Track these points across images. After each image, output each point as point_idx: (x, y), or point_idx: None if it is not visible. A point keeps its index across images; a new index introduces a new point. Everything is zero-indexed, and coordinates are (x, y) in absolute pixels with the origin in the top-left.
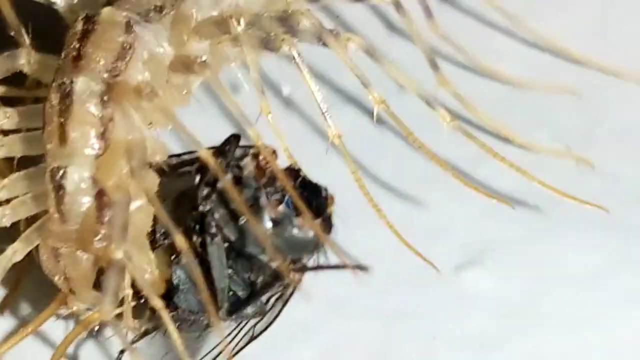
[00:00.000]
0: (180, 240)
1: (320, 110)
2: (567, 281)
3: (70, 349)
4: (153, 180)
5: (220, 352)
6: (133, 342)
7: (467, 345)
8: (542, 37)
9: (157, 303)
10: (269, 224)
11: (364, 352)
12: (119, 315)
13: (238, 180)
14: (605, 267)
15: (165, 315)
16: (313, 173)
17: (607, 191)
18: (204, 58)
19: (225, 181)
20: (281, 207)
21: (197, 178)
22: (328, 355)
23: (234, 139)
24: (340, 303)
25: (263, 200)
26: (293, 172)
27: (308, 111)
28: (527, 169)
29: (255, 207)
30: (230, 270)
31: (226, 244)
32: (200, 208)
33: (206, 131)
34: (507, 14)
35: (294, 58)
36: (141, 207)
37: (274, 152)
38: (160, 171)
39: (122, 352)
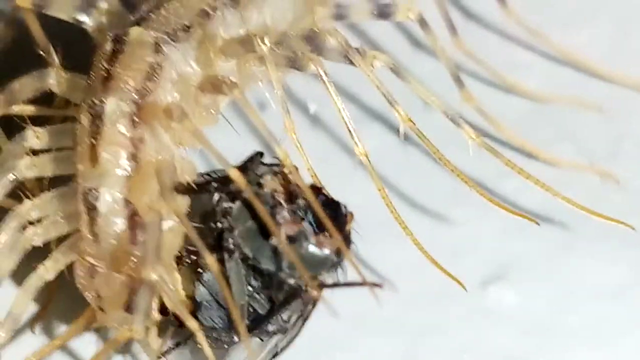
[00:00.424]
0: (211, 261)
1: (346, 128)
2: (593, 297)
3: None
4: (183, 200)
5: None
6: (159, 357)
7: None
8: (565, 51)
9: (192, 324)
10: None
11: None
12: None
13: (256, 197)
14: (631, 282)
15: (201, 335)
16: (338, 190)
17: (632, 207)
18: (232, 78)
19: (250, 195)
20: (297, 224)
21: (216, 195)
22: None
23: (257, 155)
24: (365, 319)
25: (279, 217)
26: (316, 189)
27: (334, 129)
28: (552, 185)
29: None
30: (249, 287)
31: (244, 261)
32: (219, 225)
33: (234, 150)
34: (530, 29)
35: (320, 76)
36: (171, 228)
37: (297, 169)
38: (187, 190)
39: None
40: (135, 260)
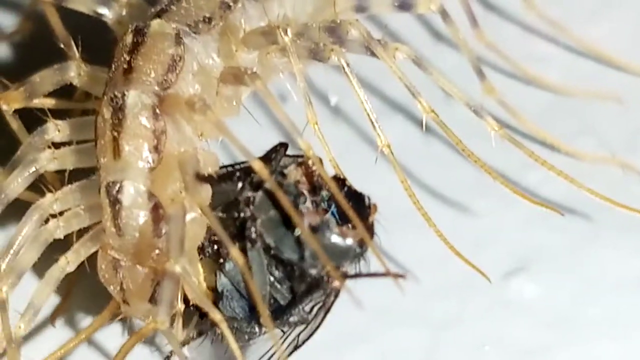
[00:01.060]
0: (236, 254)
1: (369, 119)
2: (615, 288)
3: None
4: (206, 192)
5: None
6: (183, 344)
7: (515, 352)
8: (586, 44)
9: (217, 316)
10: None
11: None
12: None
13: (279, 188)
14: None
15: (225, 327)
16: (361, 182)
17: None
18: (254, 69)
19: (273, 185)
20: (319, 215)
21: (240, 184)
22: None
23: (282, 147)
24: (388, 311)
25: (302, 207)
26: (339, 181)
27: (356, 120)
28: (574, 177)
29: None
30: (270, 277)
31: (266, 251)
32: (241, 214)
33: (256, 142)
34: (550, 22)
35: (343, 68)
36: (194, 219)
37: (320, 161)
38: (210, 181)
39: (168, 357)
40: (158, 252)
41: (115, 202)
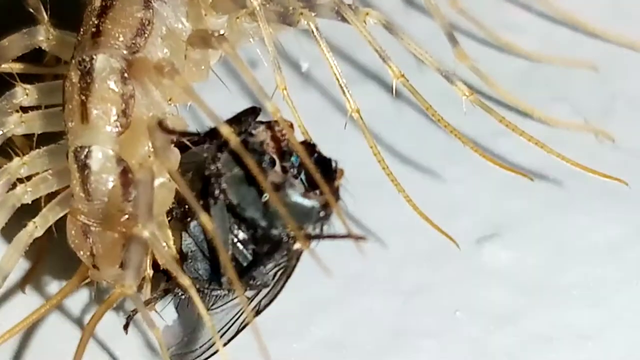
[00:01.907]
0: (205, 219)
1: (338, 85)
2: (587, 254)
3: None
4: (175, 157)
5: (229, 327)
6: (147, 304)
7: (487, 318)
8: (560, 11)
9: (185, 281)
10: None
11: (384, 327)
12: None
13: (244, 146)
14: (625, 240)
15: (194, 292)
16: (331, 148)
17: (627, 164)
18: (221, 32)
19: (236, 142)
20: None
21: (206, 144)
22: (347, 331)
23: (253, 111)
24: (359, 278)
25: (266, 165)
26: (308, 146)
27: (327, 87)
28: (547, 144)
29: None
30: (233, 238)
31: (229, 210)
32: (206, 171)
33: (225, 108)
34: None
35: (312, 32)
36: (163, 184)
37: (291, 125)
38: (180, 145)
39: (130, 316)
40: (127, 217)
41: (83, 167)
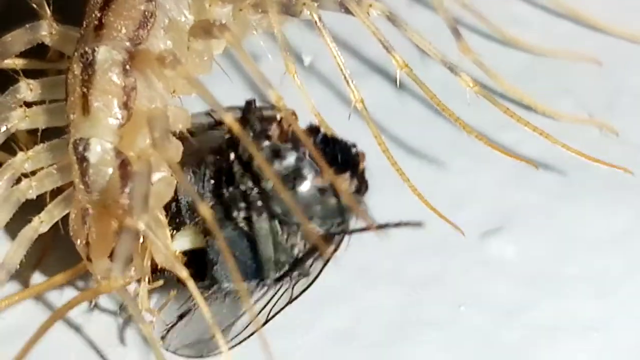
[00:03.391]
0: (205, 210)
1: (342, 75)
2: (592, 245)
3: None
4: (176, 150)
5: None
6: (171, 327)
7: (492, 310)
8: (564, 5)
9: (182, 272)
10: (314, 192)
11: (390, 318)
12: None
13: (275, 152)
14: (630, 231)
15: (192, 285)
16: (334, 132)
17: (631, 157)
18: (223, 21)
19: (259, 157)
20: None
21: (232, 155)
22: (356, 323)
23: (250, 104)
24: (366, 270)
25: (306, 170)
26: (314, 129)
27: (330, 79)
28: (551, 135)
29: (299, 177)
30: (280, 241)
31: (273, 218)
32: (241, 187)
33: (229, 100)
34: None
35: (315, 23)
36: (163, 178)
37: (294, 113)
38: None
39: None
40: (123, 208)
41: (82, 159)
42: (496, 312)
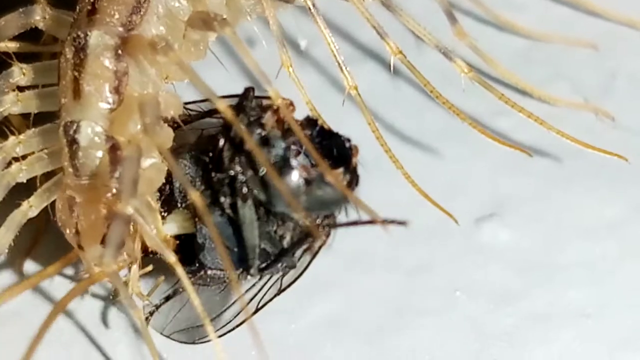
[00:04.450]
0: (195, 196)
1: (336, 62)
2: (586, 232)
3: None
4: (167, 136)
5: (246, 304)
6: (157, 308)
7: (486, 297)
8: None
9: (171, 257)
10: (300, 182)
11: (385, 305)
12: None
13: (265, 141)
14: (624, 218)
15: (181, 270)
16: (330, 126)
17: (626, 143)
18: (224, 15)
19: (251, 143)
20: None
21: (222, 140)
22: (349, 309)
23: (248, 92)
24: (360, 257)
25: (294, 160)
26: (311, 122)
27: (324, 65)
28: (546, 122)
29: (286, 167)
30: (265, 230)
31: (258, 205)
32: (230, 172)
33: (222, 86)
34: None
35: (309, 9)
36: (154, 165)
37: (292, 104)
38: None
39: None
40: (112, 193)
41: (72, 142)
42: (490, 299)
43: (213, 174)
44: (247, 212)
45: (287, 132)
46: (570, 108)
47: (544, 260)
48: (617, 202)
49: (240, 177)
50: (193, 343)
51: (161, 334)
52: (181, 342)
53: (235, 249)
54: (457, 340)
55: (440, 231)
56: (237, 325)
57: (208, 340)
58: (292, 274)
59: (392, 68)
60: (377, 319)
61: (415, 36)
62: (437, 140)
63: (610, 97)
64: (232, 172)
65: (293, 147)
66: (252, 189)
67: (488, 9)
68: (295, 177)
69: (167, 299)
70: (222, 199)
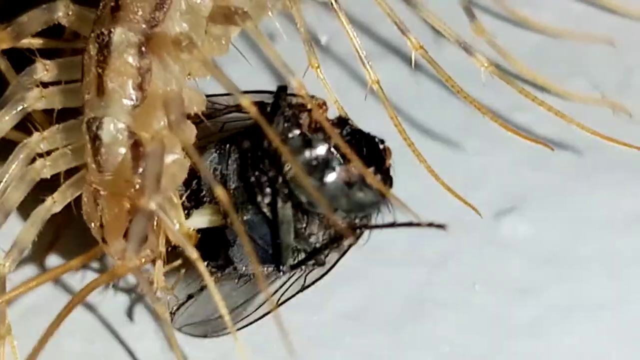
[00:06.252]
0: (219, 192)
1: (358, 56)
2: (606, 226)
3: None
4: (190, 132)
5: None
6: (181, 305)
7: (506, 290)
8: None
9: (193, 253)
10: (341, 185)
11: (404, 298)
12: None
13: (307, 142)
14: None
15: (203, 267)
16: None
17: None
18: (245, 9)
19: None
20: (354, 170)
21: (265, 142)
22: (369, 302)
23: (281, 90)
24: (380, 250)
25: (335, 162)
26: (342, 121)
27: (346, 60)
28: (566, 115)
29: (328, 168)
30: (301, 229)
31: (297, 206)
32: (270, 173)
33: (246, 81)
34: None
35: (331, 4)
36: (177, 160)
37: (324, 103)
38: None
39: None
40: (136, 189)
41: (95, 138)
42: (509, 292)
43: (250, 173)
44: (287, 212)
45: (318, 131)
46: (587, 104)
47: (563, 253)
48: (637, 196)
49: (281, 179)
50: (205, 337)
51: (173, 327)
52: (193, 336)
53: (269, 247)
54: (477, 333)
55: (460, 224)
56: (258, 319)
57: (222, 334)
58: (317, 272)
59: (413, 63)
60: (398, 311)
61: (435, 31)
62: (458, 134)
63: (627, 92)
64: (272, 174)
65: (334, 149)
66: (293, 190)
67: (506, 5)
68: (335, 178)
69: (190, 296)
70: (260, 198)
